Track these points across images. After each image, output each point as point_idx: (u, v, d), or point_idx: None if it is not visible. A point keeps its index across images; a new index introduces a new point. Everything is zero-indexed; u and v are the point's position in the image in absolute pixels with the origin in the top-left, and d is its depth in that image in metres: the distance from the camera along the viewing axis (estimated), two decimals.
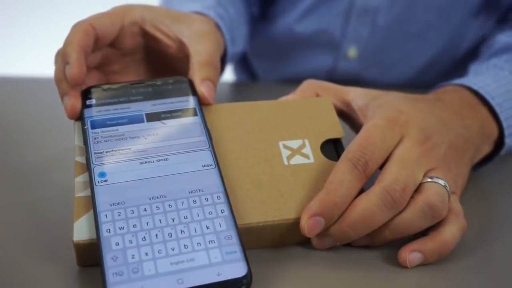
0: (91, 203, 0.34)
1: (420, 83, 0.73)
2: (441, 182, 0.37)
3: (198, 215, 0.34)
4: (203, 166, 0.36)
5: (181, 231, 0.33)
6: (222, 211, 0.34)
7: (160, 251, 0.32)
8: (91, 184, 0.35)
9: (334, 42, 0.72)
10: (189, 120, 0.39)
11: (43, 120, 0.60)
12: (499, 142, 0.48)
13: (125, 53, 0.46)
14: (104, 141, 0.37)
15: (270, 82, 0.80)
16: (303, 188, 0.38)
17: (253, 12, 0.76)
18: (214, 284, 0.31)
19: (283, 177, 0.39)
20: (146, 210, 0.34)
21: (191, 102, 0.40)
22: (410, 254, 0.36)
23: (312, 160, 0.40)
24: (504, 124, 0.47)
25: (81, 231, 0.34)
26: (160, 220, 0.33)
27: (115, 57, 0.45)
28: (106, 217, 0.33)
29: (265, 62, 0.81)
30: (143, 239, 0.32)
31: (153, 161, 0.36)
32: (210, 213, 0.34)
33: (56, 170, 0.48)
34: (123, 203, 0.34)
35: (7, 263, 0.36)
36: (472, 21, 0.71)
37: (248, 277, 0.32)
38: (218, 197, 0.35)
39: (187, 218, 0.34)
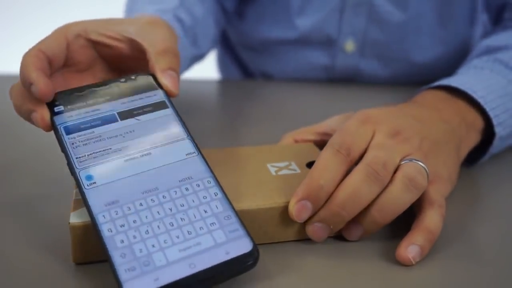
0: (86, 209, 0.34)
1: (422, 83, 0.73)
2: (419, 162, 0.38)
3: (193, 201, 0.35)
4: (186, 155, 0.37)
5: (181, 218, 0.34)
6: (216, 194, 0.35)
7: (166, 241, 0.32)
8: (80, 189, 0.34)
9: (330, 37, 0.73)
10: (162, 114, 0.39)
11: None
12: (490, 132, 0.49)
13: (82, 69, 0.44)
14: (83, 145, 0.37)
15: (268, 80, 0.81)
16: (291, 188, 0.39)
17: (226, 8, 0.76)
18: (225, 263, 0.32)
19: (272, 182, 0.40)
20: (142, 205, 0.34)
21: (159, 95, 0.40)
22: (408, 249, 0.36)
23: (299, 171, 0.42)
24: (491, 114, 0.48)
25: (77, 216, 0.35)
26: (158, 212, 0.34)
27: (74, 76, 0.44)
28: (104, 217, 0.33)
29: (264, 62, 0.81)
30: (146, 232, 0.33)
31: (137, 157, 0.36)
32: (205, 197, 0.35)
33: (55, 168, 0.49)
34: (117, 201, 0.34)
35: (4, 262, 0.36)
36: (470, 26, 0.72)
37: (255, 251, 0.33)
38: (209, 181, 0.36)
39: (183, 206, 0.34)
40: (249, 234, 0.33)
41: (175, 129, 0.38)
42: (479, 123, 0.49)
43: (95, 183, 0.35)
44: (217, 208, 0.34)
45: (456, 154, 0.45)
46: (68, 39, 0.42)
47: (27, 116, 0.39)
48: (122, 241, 0.32)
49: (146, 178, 0.35)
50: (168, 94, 0.41)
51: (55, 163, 0.50)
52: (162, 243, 0.32)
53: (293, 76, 0.78)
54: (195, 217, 0.34)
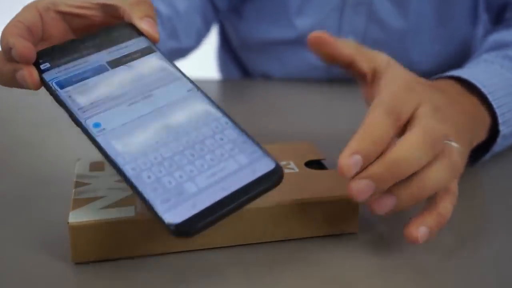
0: (102, 157, 0.33)
1: None
2: (458, 146, 0.37)
3: (207, 132, 0.34)
4: (187, 91, 0.37)
5: (200, 149, 0.33)
6: (226, 123, 0.35)
7: (192, 171, 0.32)
8: (91, 139, 0.34)
9: None
10: (151, 58, 0.39)
11: (43, 118, 0.60)
12: (494, 131, 0.49)
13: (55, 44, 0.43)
14: (81, 96, 0.36)
15: (268, 80, 0.81)
16: (290, 188, 0.39)
17: (218, 6, 0.76)
18: (254, 182, 0.32)
19: None
20: (158, 142, 0.33)
21: (143, 42, 0.40)
22: (419, 229, 0.36)
23: (297, 170, 0.41)
24: (498, 112, 0.48)
25: (76, 216, 0.35)
26: (176, 146, 0.33)
27: None
28: (124, 159, 0.32)
29: (263, 62, 0.82)
30: (170, 166, 0.32)
31: (139, 100, 0.36)
32: (217, 127, 0.35)
33: (54, 167, 0.49)
34: (132, 142, 0.33)
35: (3, 261, 0.36)
36: (471, 26, 0.72)
37: (279, 167, 0.33)
38: (216, 113, 0.35)
39: (199, 137, 0.34)
40: (269, 153, 0.33)
41: (168, 70, 0.38)
42: (487, 121, 0.48)
43: (104, 129, 0.34)
44: (231, 135, 0.34)
45: (468, 147, 0.44)
46: (40, 11, 0.41)
47: (10, 77, 0.38)
48: (149, 177, 0.32)
49: (154, 118, 0.35)
50: (149, 39, 0.40)
51: (54, 162, 0.50)
52: (189, 173, 0.32)
53: (293, 76, 0.78)
54: (213, 146, 0.34)
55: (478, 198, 0.46)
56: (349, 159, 0.34)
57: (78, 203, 0.36)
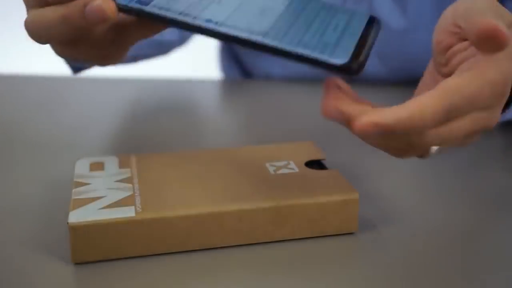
0: (231, 43, 0.35)
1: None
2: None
3: (300, 6, 0.38)
4: None
5: (307, 17, 0.36)
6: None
7: (318, 30, 0.35)
8: (211, 33, 0.34)
9: None
10: None
11: (42, 118, 0.60)
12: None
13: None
14: (168, 6, 0.36)
15: (268, 80, 0.81)
16: (290, 188, 0.39)
17: None
18: (367, 28, 0.36)
19: (271, 181, 0.40)
20: (272, 17, 0.36)
21: None
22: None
23: (297, 170, 0.42)
24: None
25: (76, 216, 0.35)
26: (289, 20, 0.36)
27: None
28: (260, 34, 0.34)
29: (263, 61, 0.82)
30: (299, 30, 0.35)
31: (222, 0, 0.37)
32: (302, 1, 0.38)
33: (54, 168, 0.49)
34: (252, 22, 0.35)
35: (3, 261, 0.36)
36: None
37: (373, 16, 0.37)
38: None
39: (296, 11, 0.37)
40: (356, 9, 0.35)
41: None
42: None
43: (218, 22, 0.35)
44: (317, 5, 0.38)
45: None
46: None
47: (77, 17, 0.36)
48: (292, 40, 0.33)
49: (249, 5, 0.37)
50: None
51: (54, 162, 0.50)
52: (318, 31, 0.35)
53: (294, 77, 0.78)
54: (313, 14, 0.37)
55: (480, 197, 0.46)
56: (370, 127, 0.29)
57: (78, 203, 0.36)
